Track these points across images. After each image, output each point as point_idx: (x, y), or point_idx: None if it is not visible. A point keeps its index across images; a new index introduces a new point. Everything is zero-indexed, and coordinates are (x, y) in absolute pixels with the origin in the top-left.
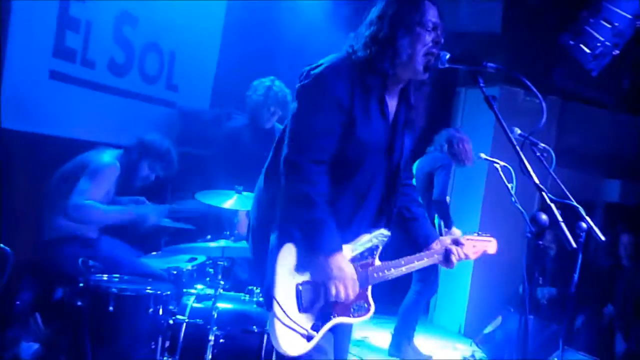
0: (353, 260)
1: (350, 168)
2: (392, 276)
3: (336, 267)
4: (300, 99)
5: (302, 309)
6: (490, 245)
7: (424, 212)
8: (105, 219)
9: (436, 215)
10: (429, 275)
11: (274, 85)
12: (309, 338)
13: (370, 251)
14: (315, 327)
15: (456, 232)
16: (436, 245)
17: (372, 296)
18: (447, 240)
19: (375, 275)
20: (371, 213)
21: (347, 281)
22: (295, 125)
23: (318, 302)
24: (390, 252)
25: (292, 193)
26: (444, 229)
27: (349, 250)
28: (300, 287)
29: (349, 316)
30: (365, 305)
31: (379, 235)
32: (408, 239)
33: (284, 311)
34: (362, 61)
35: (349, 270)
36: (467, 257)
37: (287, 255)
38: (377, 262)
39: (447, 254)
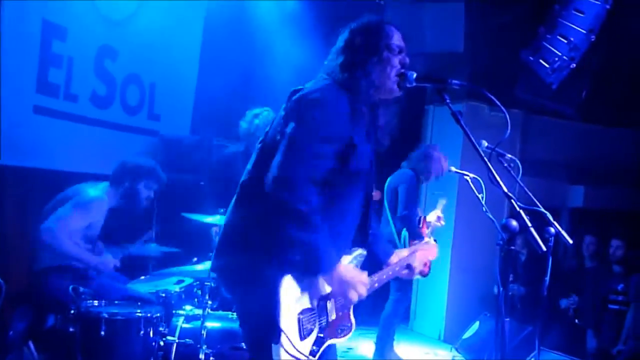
0: None
1: (345, 190)
2: (368, 293)
3: (341, 276)
4: (299, 123)
5: (302, 337)
6: (432, 251)
7: (379, 228)
8: (67, 254)
9: (404, 229)
10: (405, 284)
11: (262, 114)
12: None
13: None
14: (313, 353)
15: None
16: (395, 258)
17: (357, 309)
18: (403, 252)
19: None
20: (352, 234)
21: (357, 283)
22: (291, 146)
23: (314, 328)
24: None
25: (287, 212)
26: (409, 242)
27: None
28: (301, 317)
29: (337, 337)
30: (349, 324)
31: (357, 256)
32: (369, 254)
33: (290, 342)
34: (349, 87)
35: (353, 272)
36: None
37: (289, 286)
38: None
39: (409, 266)
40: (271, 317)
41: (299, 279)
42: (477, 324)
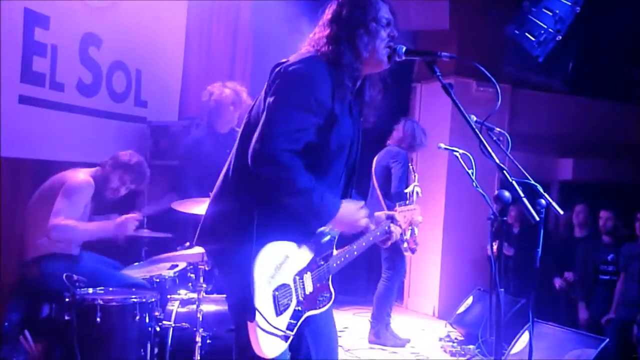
0: (316, 255)
1: (325, 164)
2: (347, 262)
3: (344, 218)
4: (280, 94)
5: (278, 313)
6: (416, 212)
7: (355, 194)
8: (85, 237)
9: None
10: (396, 262)
11: (226, 89)
12: (286, 338)
13: (330, 243)
14: (290, 327)
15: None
16: (372, 223)
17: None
18: (381, 215)
19: (334, 265)
20: None
21: (359, 219)
22: (271, 117)
23: (291, 303)
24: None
25: (273, 184)
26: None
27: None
28: (276, 293)
29: (316, 308)
30: (328, 295)
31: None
32: None
33: (266, 320)
34: (332, 60)
35: (354, 211)
36: (402, 227)
37: (263, 263)
38: (335, 252)
39: (387, 233)
40: (246, 296)
41: (273, 256)
42: (470, 298)
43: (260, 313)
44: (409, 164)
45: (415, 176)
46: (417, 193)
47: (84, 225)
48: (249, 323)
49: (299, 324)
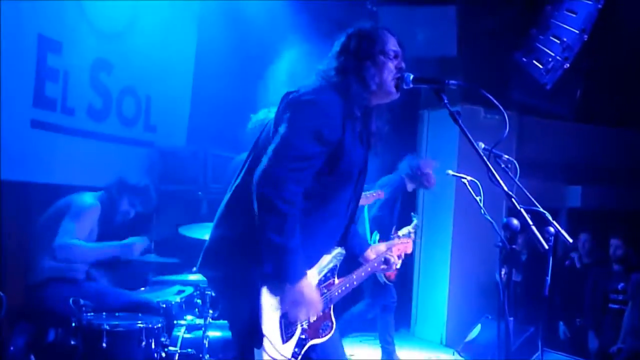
0: (319, 283)
1: (331, 191)
2: (347, 292)
3: (300, 293)
4: (291, 123)
5: (284, 340)
6: (408, 246)
7: (354, 224)
8: (90, 257)
9: (375, 231)
10: (377, 291)
11: (272, 113)
12: None
13: (332, 271)
14: (295, 355)
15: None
16: (371, 253)
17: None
18: (381, 247)
19: (336, 293)
20: (338, 235)
21: (310, 306)
22: (284, 144)
23: (296, 330)
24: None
25: (268, 209)
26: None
27: (315, 274)
28: (283, 320)
29: (319, 337)
30: (330, 323)
31: (337, 255)
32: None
33: (273, 346)
34: (342, 90)
35: (314, 296)
36: (397, 257)
37: (270, 290)
38: (336, 280)
39: (386, 261)
40: (253, 322)
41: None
42: (479, 326)
43: (268, 339)
44: (400, 194)
45: (414, 222)
46: (409, 233)
47: (89, 245)
48: (255, 350)
49: (302, 352)
